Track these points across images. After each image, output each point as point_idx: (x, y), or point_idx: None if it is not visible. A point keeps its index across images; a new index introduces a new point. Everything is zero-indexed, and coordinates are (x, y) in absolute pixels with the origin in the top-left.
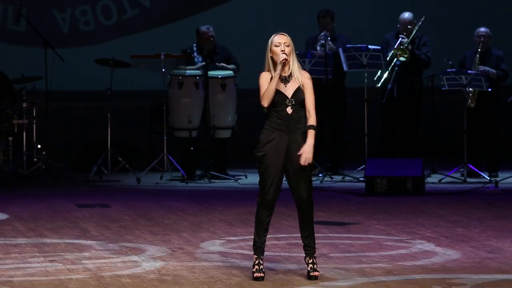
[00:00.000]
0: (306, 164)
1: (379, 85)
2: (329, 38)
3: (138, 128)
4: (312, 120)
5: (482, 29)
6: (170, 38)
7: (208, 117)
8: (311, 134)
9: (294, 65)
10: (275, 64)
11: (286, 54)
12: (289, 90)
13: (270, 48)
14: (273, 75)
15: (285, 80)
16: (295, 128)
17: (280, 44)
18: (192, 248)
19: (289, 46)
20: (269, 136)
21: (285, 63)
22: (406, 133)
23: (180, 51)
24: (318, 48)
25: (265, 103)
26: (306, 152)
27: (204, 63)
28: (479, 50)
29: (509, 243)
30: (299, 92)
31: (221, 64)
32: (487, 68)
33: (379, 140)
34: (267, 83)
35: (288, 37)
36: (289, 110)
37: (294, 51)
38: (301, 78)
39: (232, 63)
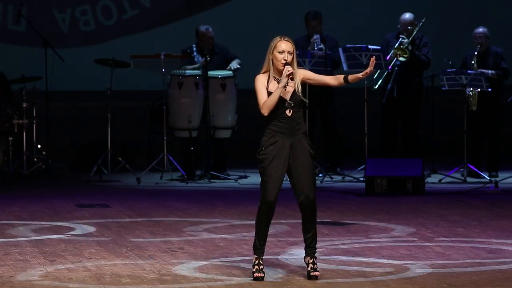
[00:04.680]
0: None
1: (375, 87)
2: (320, 40)
3: (138, 128)
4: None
5: (480, 29)
6: (170, 38)
7: (208, 117)
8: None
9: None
10: (275, 67)
11: (289, 64)
12: (287, 93)
13: (272, 52)
14: (274, 78)
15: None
16: (296, 129)
17: (284, 52)
18: (192, 248)
19: (292, 54)
20: (271, 139)
21: (292, 78)
22: (406, 133)
23: (180, 51)
24: (316, 47)
25: (266, 112)
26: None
27: (205, 61)
28: (475, 53)
29: (509, 243)
30: (295, 94)
31: (230, 66)
32: (485, 71)
33: (379, 140)
34: (264, 87)
35: (292, 44)
36: (288, 112)
37: (295, 57)
38: (300, 75)
39: (233, 59)
